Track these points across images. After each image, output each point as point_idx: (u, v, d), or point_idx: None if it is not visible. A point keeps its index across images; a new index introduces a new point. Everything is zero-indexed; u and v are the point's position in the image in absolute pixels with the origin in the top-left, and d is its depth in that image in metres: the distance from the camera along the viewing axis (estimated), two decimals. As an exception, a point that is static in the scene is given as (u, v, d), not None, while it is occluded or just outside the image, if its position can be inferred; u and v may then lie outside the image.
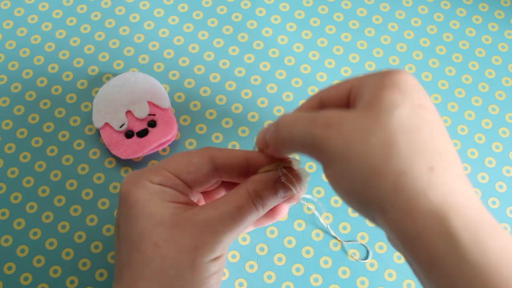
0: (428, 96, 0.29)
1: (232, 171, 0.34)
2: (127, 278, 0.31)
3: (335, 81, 0.32)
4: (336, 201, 0.43)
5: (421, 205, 0.25)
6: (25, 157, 0.44)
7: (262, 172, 0.33)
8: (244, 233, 0.42)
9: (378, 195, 0.26)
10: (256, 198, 0.32)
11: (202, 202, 0.38)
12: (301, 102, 0.33)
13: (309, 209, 0.43)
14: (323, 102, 0.31)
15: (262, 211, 0.33)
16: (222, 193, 0.38)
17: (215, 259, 0.32)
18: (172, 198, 0.32)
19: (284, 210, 0.37)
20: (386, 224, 0.27)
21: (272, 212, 0.36)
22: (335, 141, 0.27)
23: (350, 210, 0.43)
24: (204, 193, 0.38)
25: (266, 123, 0.45)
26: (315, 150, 0.28)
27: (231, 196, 0.32)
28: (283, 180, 0.33)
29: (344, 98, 0.30)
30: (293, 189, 0.33)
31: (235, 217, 0.31)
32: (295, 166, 0.34)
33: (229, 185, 0.37)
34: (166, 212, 0.31)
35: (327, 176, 0.29)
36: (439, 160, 0.26)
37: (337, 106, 0.30)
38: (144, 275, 0.31)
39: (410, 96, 0.27)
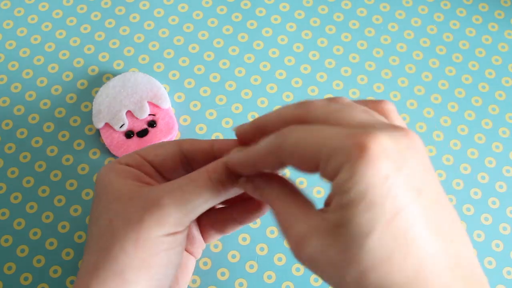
0: (403, 185, 0.24)
1: (198, 157, 0.34)
2: (86, 252, 0.32)
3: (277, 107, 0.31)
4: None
5: None
6: (25, 157, 0.44)
7: None
8: (244, 233, 0.42)
9: None
10: (214, 174, 0.31)
11: None
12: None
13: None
14: (263, 131, 0.29)
15: (222, 189, 0.31)
16: None
17: (165, 235, 0.30)
18: (134, 176, 0.32)
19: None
20: None
21: (257, 205, 0.35)
22: (315, 267, 0.26)
23: (350, 210, 0.43)
24: None
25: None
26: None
27: (190, 173, 0.32)
28: None
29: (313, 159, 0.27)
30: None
31: (186, 189, 0.30)
32: None
33: None
34: (125, 188, 0.31)
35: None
36: (409, 285, 0.24)
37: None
38: (95, 249, 0.31)
39: (382, 211, 0.23)
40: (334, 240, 0.25)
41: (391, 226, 0.23)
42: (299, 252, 0.26)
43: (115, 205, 0.31)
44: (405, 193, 0.24)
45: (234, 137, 0.33)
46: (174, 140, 0.35)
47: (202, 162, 0.33)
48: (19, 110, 0.45)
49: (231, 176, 0.31)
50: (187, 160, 0.34)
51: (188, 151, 0.34)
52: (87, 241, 0.32)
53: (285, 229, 0.27)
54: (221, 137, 0.45)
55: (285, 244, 0.42)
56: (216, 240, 0.39)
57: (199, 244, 0.37)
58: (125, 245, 0.30)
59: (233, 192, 0.32)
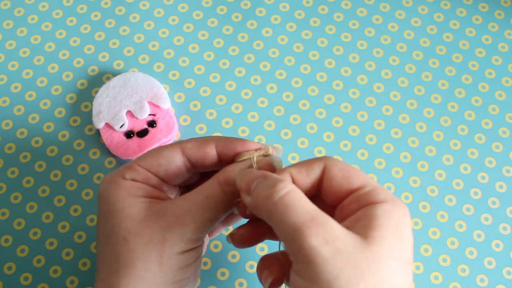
0: (412, 245, 0.30)
1: (203, 161, 0.34)
2: (102, 273, 0.32)
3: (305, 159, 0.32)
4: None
5: None
6: (25, 157, 0.44)
7: (238, 160, 0.33)
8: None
9: None
10: (227, 187, 0.32)
11: None
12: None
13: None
14: (325, 178, 0.31)
15: (236, 199, 0.32)
16: None
17: (187, 251, 0.31)
18: (143, 193, 0.32)
19: None
20: None
21: None
22: (326, 263, 0.26)
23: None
24: (189, 188, 0.38)
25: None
26: (298, 252, 0.27)
27: (202, 187, 0.32)
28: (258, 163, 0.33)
29: (347, 192, 0.30)
30: None
31: (204, 207, 0.31)
32: (271, 154, 0.33)
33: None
34: (136, 206, 0.32)
35: (294, 271, 0.28)
36: None
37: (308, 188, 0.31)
38: (115, 268, 0.31)
39: (406, 250, 0.28)
40: (365, 250, 0.27)
41: (407, 266, 0.28)
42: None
43: (128, 223, 0.31)
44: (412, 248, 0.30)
45: (234, 136, 0.33)
46: (175, 144, 0.34)
47: (208, 165, 0.34)
48: (19, 110, 0.45)
49: None
50: (191, 164, 0.34)
51: (191, 156, 0.34)
52: (101, 259, 0.32)
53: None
54: (221, 137, 0.45)
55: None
56: (219, 233, 0.40)
57: (205, 240, 0.37)
58: (149, 264, 0.30)
59: None
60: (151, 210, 0.32)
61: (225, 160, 0.34)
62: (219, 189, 0.32)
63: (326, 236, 0.27)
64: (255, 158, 0.33)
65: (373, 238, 0.27)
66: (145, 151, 0.35)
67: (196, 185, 0.36)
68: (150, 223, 0.31)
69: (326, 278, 0.26)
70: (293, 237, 0.27)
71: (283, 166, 0.33)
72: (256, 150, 0.33)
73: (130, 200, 0.32)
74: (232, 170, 0.32)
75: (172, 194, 0.36)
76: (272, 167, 0.33)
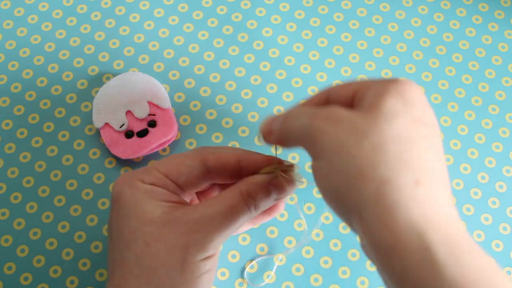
0: (431, 110, 0.29)
1: (224, 173, 0.34)
2: (118, 277, 0.32)
3: (338, 81, 0.32)
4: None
5: (401, 216, 0.25)
6: (25, 157, 0.44)
7: (261, 172, 0.33)
8: (244, 233, 0.42)
9: (359, 199, 0.26)
10: (249, 199, 0.32)
11: (196, 202, 0.38)
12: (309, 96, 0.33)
13: (309, 209, 0.43)
14: (330, 99, 0.32)
15: (255, 212, 0.33)
16: (216, 192, 0.39)
17: (206, 258, 0.32)
18: (163, 197, 0.32)
19: (281, 206, 0.37)
20: (362, 231, 0.26)
21: (270, 208, 0.36)
22: (330, 137, 0.27)
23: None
24: (199, 193, 0.38)
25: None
26: (310, 142, 0.28)
27: (224, 195, 0.32)
28: (280, 178, 0.33)
29: (350, 99, 0.30)
30: (286, 193, 0.33)
31: (227, 216, 0.32)
32: (294, 170, 0.34)
33: (223, 184, 0.38)
34: (157, 211, 0.32)
35: (313, 170, 0.29)
36: (427, 176, 0.26)
37: (343, 105, 0.30)
38: (134, 273, 0.31)
39: (412, 108, 0.27)
40: (364, 115, 0.27)
41: (417, 123, 0.27)
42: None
43: (150, 228, 0.31)
44: (430, 113, 0.29)
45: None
46: (197, 154, 0.34)
47: (228, 178, 0.34)
48: (19, 110, 0.45)
49: (264, 196, 0.33)
50: (209, 174, 0.34)
51: (213, 168, 0.34)
52: (116, 264, 0.32)
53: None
54: (221, 137, 0.45)
55: (285, 244, 0.42)
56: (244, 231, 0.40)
57: None
58: (171, 270, 0.31)
59: (264, 209, 0.34)
60: (172, 215, 0.32)
61: (246, 171, 0.34)
62: (241, 199, 0.32)
63: (328, 117, 0.28)
64: (278, 171, 0.33)
65: (371, 104, 0.28)
66: (165, 157, 0.35)
67: (208, 191, 0.38)
68: (172, 229, 0.31)
69: (333, 150, 0.27)
70: (307, 134, 0.28)
71: (303, 182, 0.34)
72: (279, 163, 0.34)
73: (151, 204, 0.32)
74: (254, 182, 0.33)
75: (187, 199, 0.36)
76: (293, 182, 0.33)
